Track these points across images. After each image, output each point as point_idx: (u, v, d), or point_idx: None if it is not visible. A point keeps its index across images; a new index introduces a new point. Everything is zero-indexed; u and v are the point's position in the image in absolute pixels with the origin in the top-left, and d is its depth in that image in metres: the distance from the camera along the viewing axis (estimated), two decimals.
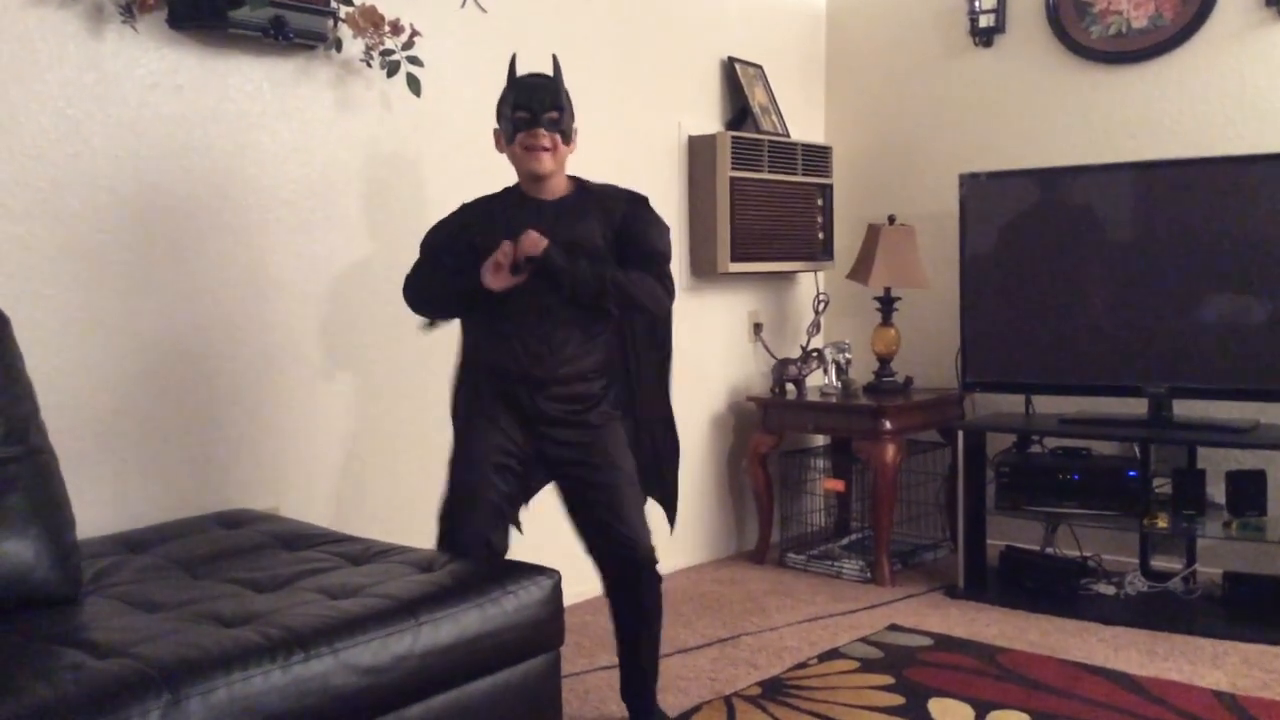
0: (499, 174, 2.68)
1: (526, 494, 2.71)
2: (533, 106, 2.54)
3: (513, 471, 2.60)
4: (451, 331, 2.78)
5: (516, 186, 2.66)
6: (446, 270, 2.61)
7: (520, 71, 2.62)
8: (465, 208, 2.68)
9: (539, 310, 2.55)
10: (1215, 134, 3.93)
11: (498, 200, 2.66)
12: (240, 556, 2.36)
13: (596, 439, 2.63)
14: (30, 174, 2.51)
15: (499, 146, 2.64)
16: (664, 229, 2.69)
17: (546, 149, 2.54)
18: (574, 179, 2.66)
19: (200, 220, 2.82)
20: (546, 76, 2.62)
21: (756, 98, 4.39)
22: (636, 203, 2.66)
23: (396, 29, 3.07)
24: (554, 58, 2.66)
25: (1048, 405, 4.13)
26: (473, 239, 2.57)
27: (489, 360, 2.62)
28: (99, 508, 2.58)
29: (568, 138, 2.58)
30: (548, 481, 2.72)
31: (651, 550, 2.66)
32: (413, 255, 2.67)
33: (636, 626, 2.72)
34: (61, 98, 2.55)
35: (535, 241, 2.48)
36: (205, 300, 2.84)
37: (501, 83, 2.66)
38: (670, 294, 2.66)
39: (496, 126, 2.63)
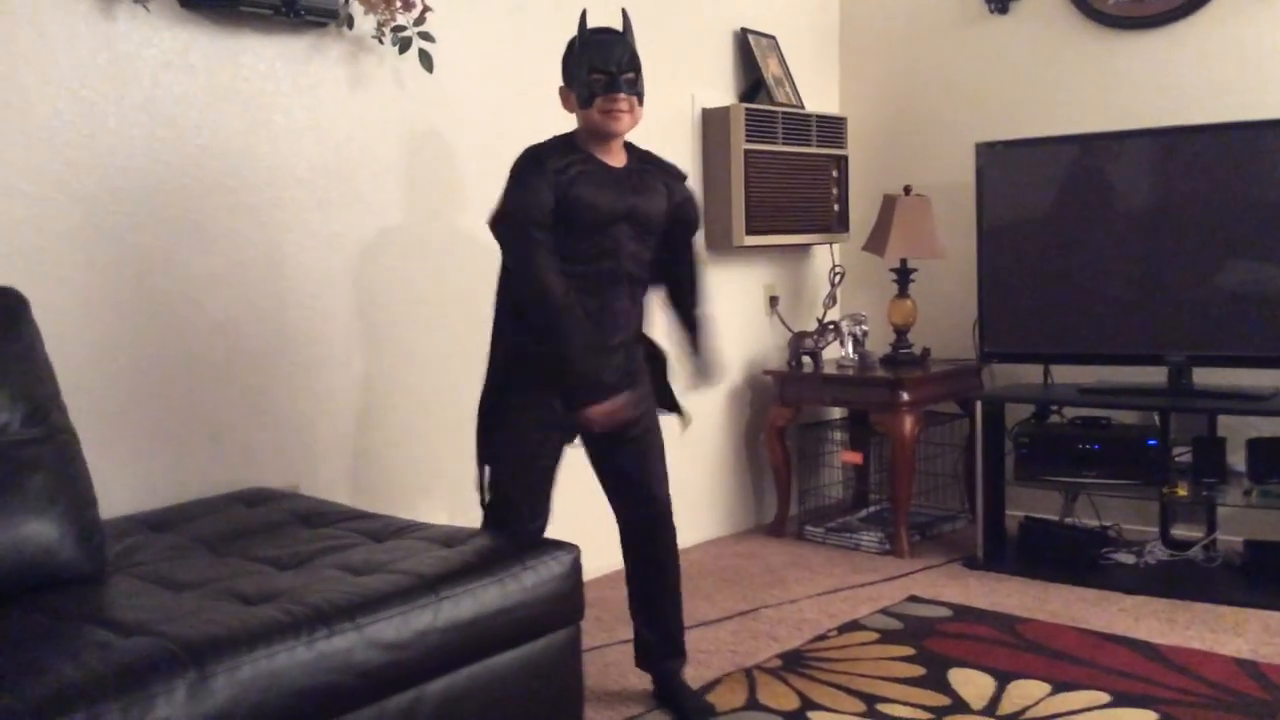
0: (512, 149, 2.67)
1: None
2: (610, 69, 2.49)
3: (557, 443, 2.63)
4: (472, 308, 2.77)
5: (573, 141, 2.55)
6: (578, 329, 2.47)
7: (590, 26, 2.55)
8: (540, 157, 2.48)
9: (610, 273, 2.54)
10: (1233, 99, 3.89)
11: (569, 156, 2.51)
12: (262, 534, 2.37)
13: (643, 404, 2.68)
14: (45, 156, 2.51)
15: (566, 105, 2.57)
16: (695, 199, 2.79)
17: (626, 111, 2.51)
18: (624, 140, 2.64)
19: (215, 199, 2.82)
20: (619, 34, 2.56)
21: (770, 69, 4.36)
22: (684, 182, 2.72)
23: (408, 5, 3.06)
24: (624, 13, 2.60)
25: (1066, 375, 4.11)
26: (563, 193, 2.45)
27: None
28: (121, 488, 2.60)
29: (642, 98, 2.56)
30: (572, 442, 2.71)
31: (668, 504, 2.75)
32: (426, 231, 2.66)
33: (656, 582, 2.76)
34: (75, 79, 2.55)
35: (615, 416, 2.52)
36: (222, 279, 2.85)
37: (513, 55, 2.64)
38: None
39: (563, 85, 2.57)
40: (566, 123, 2.60)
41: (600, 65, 2.49)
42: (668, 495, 2.75)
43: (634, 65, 2.53)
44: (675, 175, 2.70)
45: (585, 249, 2.51)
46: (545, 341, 2.48)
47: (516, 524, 2.53)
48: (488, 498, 2.60)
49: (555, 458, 2.63)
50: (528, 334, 2.53)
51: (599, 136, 2.55)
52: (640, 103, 2.55)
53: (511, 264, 2.53)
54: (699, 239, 2.83)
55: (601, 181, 2.51)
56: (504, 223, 2.50)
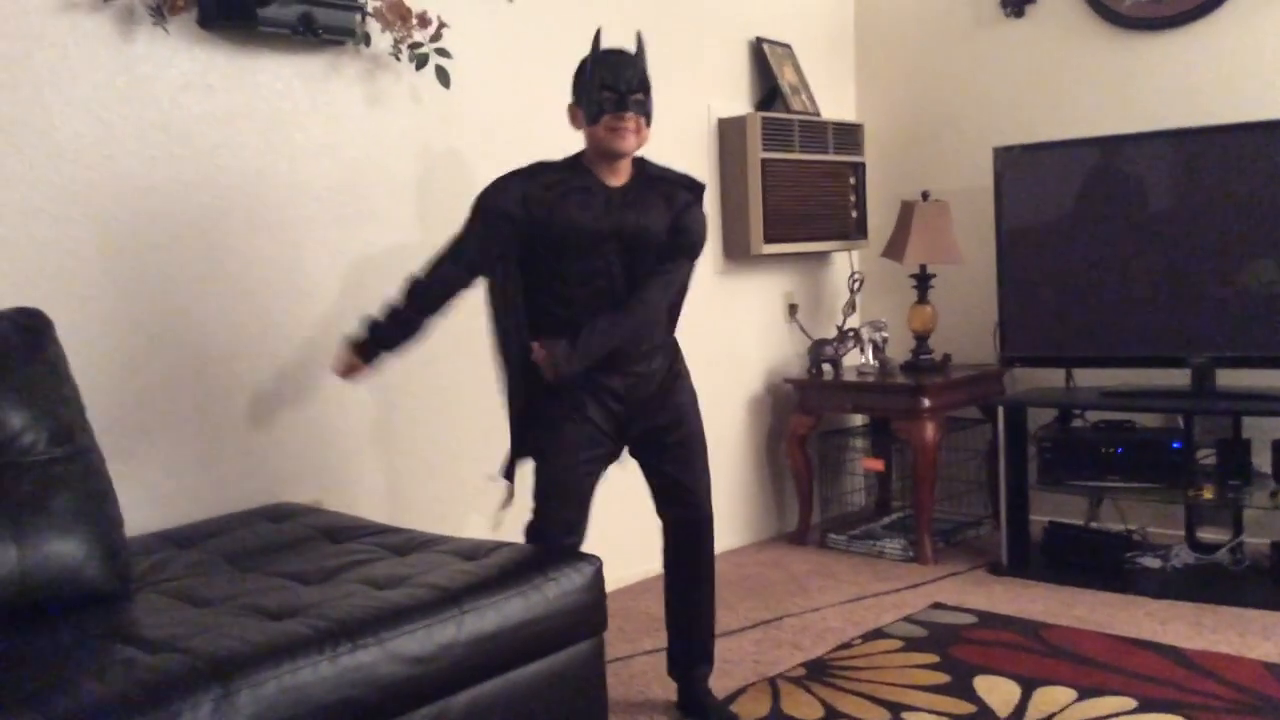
0: (529, 163, 2.68)
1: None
2: (619, 87, 2.51)
3: (602, 461, 2.66)
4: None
5: (580, 161, 2.60)
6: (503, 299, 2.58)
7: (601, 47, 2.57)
8: (528, 174, 2.56)
9: (605, 293, 2.55)
10: (1253, 99, 3.87)
11: (563, 174, 2.56)
12: (286, 550, 2.38)
13: (675, 404, 2.71)
14: (67, 177, 2.54)
15: (575, 123, 2.60)
16: (705, 226, 2.71)
17: (632, 131, 2.52)
18: (633, 158, 2.64)
19: (235, 218, 2.85)
20: (631, 54, 2.58)
21: (786, 77, 4.36)
22: (695, 192, 2.68)
23: (424, 21, 3.08)
24: (638, 35, 2.62)
25: (1088, 378, 4.09)
26: (547, 216, 2.50)
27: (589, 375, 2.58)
28: (145, 505, 2.62)
29: (650, 119, 2.58)
30: (618, 459, 2.74)
31: (711, 510, 2.78)
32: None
33: (694, 586, 2.78)
34: (95, 101, 2.58)
35: (548, 367, 2.52)
36: (242, 297, 2.87)
37: (529, 72, 2.66)
38: (670, 287, 2.65)
39: (572, 103, 2.60)
40: (581, 138, 2.61)
41: (610, 83, 2.50)
42: (710, 503, 2.78)
43: (644, 86, 2.55)
44: (685, 186, 2.67)
45: (577, 270, 2.53)
46: (437, 290, 2.60)
47: (549, 537, 2.56)
48: (530, 518, 2.61)
49: (598, 477, 2.66)
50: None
51: (605, 155, 2.56)
52: (648, 124, 2.57)
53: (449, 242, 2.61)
54: (714, 245, 2.81)
55: (588, 201, 2.53)
56: (449, 247, 2.60)
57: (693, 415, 2.76)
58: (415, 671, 1.93)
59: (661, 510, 2.79)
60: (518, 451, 2.67)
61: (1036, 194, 3.96)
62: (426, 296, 2.59)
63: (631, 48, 2.60)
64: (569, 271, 2.53)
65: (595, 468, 2.65)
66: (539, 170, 2.57)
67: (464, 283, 2.60)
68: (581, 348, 2.51)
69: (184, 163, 2.74)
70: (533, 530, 2.60)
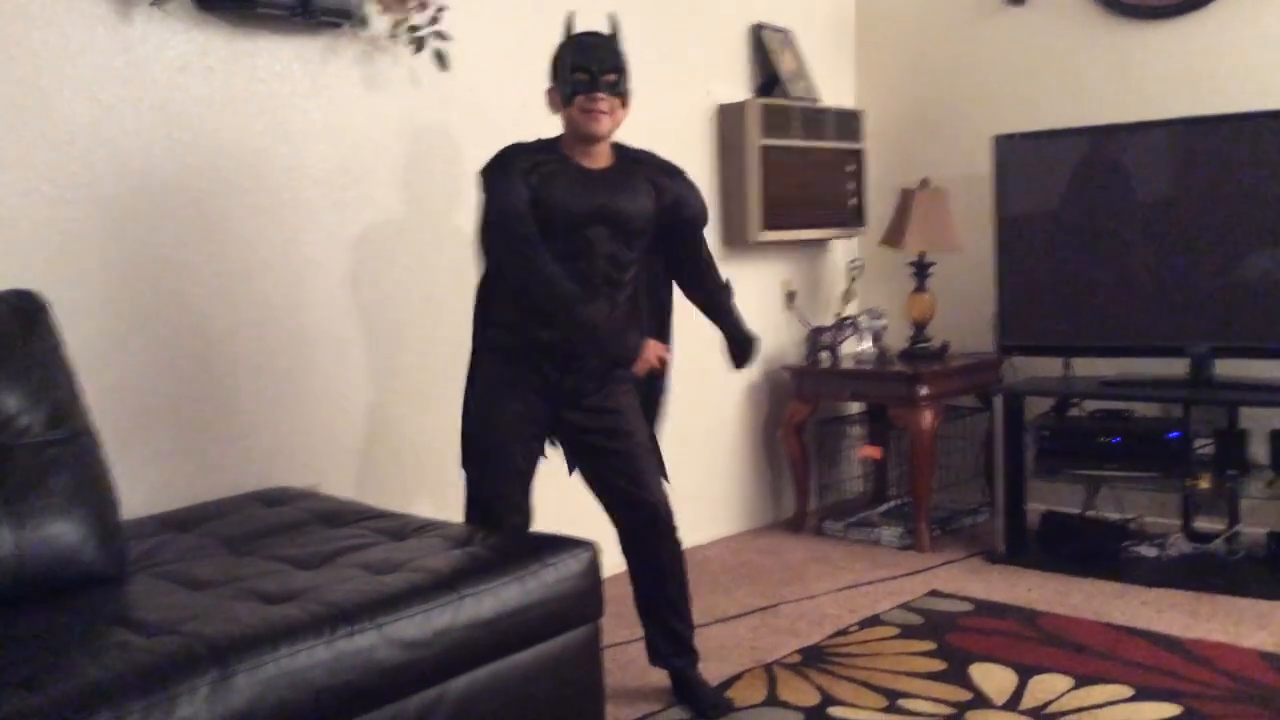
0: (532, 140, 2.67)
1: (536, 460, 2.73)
2: (591, 68, 2.50)
3: (535, 439, 2.65)
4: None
5: (556, 145, 2.59)
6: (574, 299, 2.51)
7: (578, 29, 2.58)
8: (506, 158, 2.54)
9: (583, 274, 2.54)
10: (1252, 88, 3.86)
11: (542, 156, 2.55)
12: (282, 534, 2.38)
13: (615, 409, 2.67)
14: (64, 159, 2.53)
15: (552, 106, 2.60)
16: (702, 197, 2.76)
17: (605, 112, 2.52)
18: (612, 143, 2.64)
19: (233, 201, 2.84)
20: (605, 36, 2.58)
21: (785, 64, 4.35)
22: (682, 178, 2.69)
23: (423, 4, 3.07)
24: (612, 18, 2.62)
25: (1087, 367, 4.09)
26: (533, 193, 2.49)
27: (528, 335, 2.58)
28: (142, 488, 2.62)
29: (626, 101, 2.57)
30: (552, 444, 2.74)
31: (669, 510, 2.70)
32: (443, 230, 2.66)
33: (656, 585, 2.74)
34: (93, 82, 2.57)
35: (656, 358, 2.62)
36: (240, 280, 2.86)
37: (528, 54, 2.65)
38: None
39: (550, 86, 2.60)
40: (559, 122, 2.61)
41: (583, 64, 2.51)
42: (663, 497, 2.70)
43: (617, 67, 2.54)
44: (667, 172, 2.68)
45: (557, 249, 2.51)
46: (567, 328, 2.53)
47: (491, 523, 2.54)
48: (468, 495, 2.63)
49: (531, 462, 2.66)
50: (517, 330, 2.58)
51: (580, 138, 2.56)
52: (624, 105, 2.57)
53: (511, 264, 2.53)
54: (712, 231, 2.82)
55: (572, 182, 2.52)
56: (495, 228, 2.53)
57: (639, 425, 2.71)
58: (412, 656, 1.93)
59: (613, 514, 2.73)
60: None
61: (1036, 182, 3.96)
62: (567, 294, 2.51)
63: (608, 31, 2.59)
64: (551, 251, 2.51)
65: (529, 446, 2.63)
66: (519, 152, 2.56)
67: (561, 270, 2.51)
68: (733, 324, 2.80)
69: (182, 145, 2.73)
70: (474, 506, 2.61)
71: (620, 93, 2.55)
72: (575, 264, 2.53)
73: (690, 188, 2.71)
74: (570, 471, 2.76)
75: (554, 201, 2.50)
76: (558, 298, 2.49)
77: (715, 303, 2.82)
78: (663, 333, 2.81)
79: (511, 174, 2.50)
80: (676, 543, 2.74)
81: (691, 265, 2.79)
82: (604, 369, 2.63)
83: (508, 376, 2.62)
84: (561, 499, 2.82)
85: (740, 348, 2.82)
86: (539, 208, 2.49)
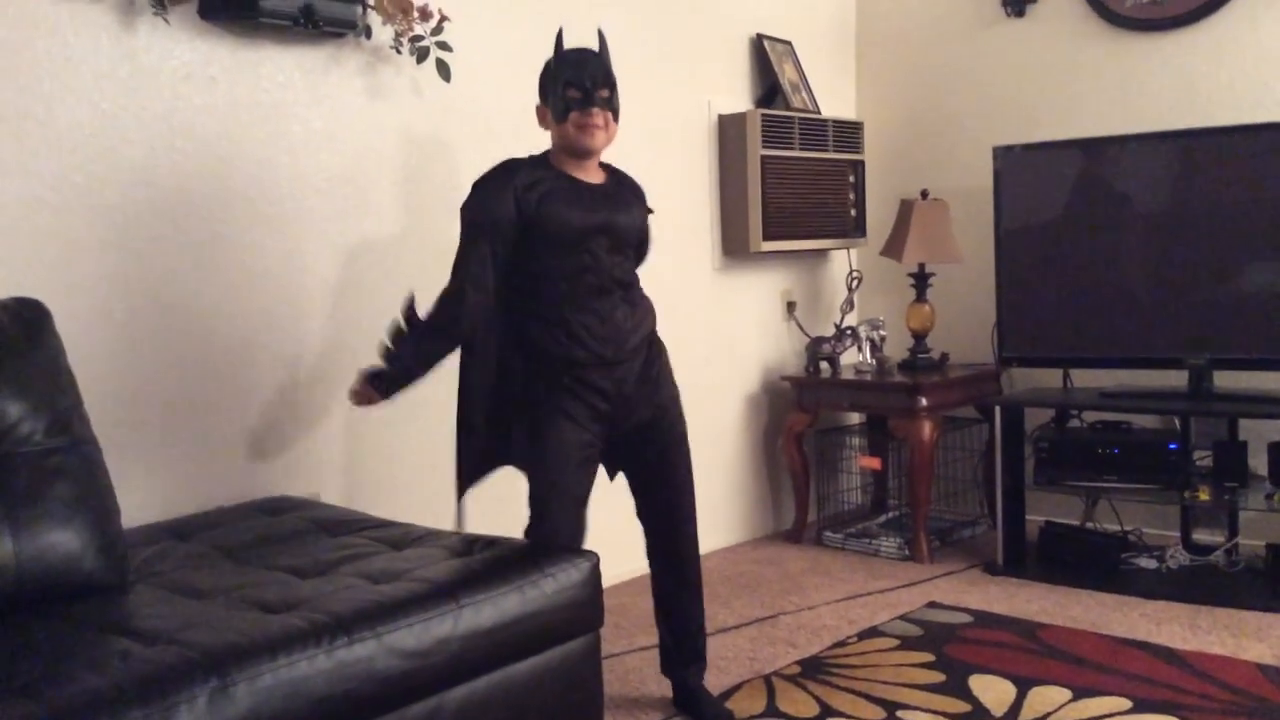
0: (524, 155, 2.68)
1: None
2: (584, 84, 2.51)
3: (593, 463, 2.65)
4: None
5: (547, 160, 2.60)
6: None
7: (566, 46, 2.59)
8: (508, 173, 2.54)
9: (594, 288, 2.54)
10: (1252, 101, 3.87)
11: (539, 172, 2.55)
12: (283, 543, 2.38)
13: (664, 406, 2.70)
14: (67, 167, 2.54)
15: (543, 123, 2.61)
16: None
17: (600, 127, 2.53)
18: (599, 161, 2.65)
19: (235, 210, 2.84)
20: (594, 52, 2.58)
21: (786, 74, 4.36)
22: (644, 199, 2.74)
23: (425, 14, 3.08)
24: (600, 33, 2.62)
25: (1086, 379, 4.09)
26: (531, 215, 2.49)
27: (555, 352, 2.55)
28: (143, 497, 2.62)
29: (617, 115, 2.58)
30: (614, 468, 2.76)
31: (693, 509, 2.77)
32: (445, 240, 2.67)
33: (677, 586, 2.77)
34: (96, 91, 2.58)
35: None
36: (242, 289, 2.87)
37: (530, 65, 2.65)
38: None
39: (540, 103, 2.60)
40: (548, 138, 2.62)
41: (574, 81, 2.51)
42: (693, 503, 2.77)
43: (608, 82, 2.55)
44: (640, 195, 2.72)
45: (565, 265, 2.52)
46: (416, 331, 2.55)
47: (548, 539, 2.54)
48: (529, 527, 2.59)
49: (592, 479, 2.65)
50: (528, 342, 2.58)
51: (573, 153, 2.56)
52: (615, 119, 2.57)
53: (453, 275, 2.54)
54: (712, 241, 2.82)
55: (572, 198, 2.53)
56: (462, 236, 2.54)
57: (682, 421, 2.74)
58: (411, 665, 1.93)
59: (647, 522, 2.77)
60: (476, 470, 2.66)
61: (1036, 194, 3.96)
62: (444, 330, 2.54)
63: (595, 46, 2.60)
64: (554, 267, 2.53)
65: (588, 471, 2.63)
66: (516, 167, 2.55)
67: (485, 307, 2.54)
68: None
69: (184, 154, 2.74)
70: (539, 535, 2.58)
71: (613, 107, 2.56)
72: (584, 276, 2.53)
73: (646, 224, 2.75)
74: (611, 478, 2.77)
75: (558, 217, 2.50)
76: (441, 313, 2.53)
77: None
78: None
79: (504, 189, 2.50)
80: (698, 547, 2.80)
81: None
82: (645, 363, 2.64)
83: (557, 401, 2.57)
84: None
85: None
86: (539, 224, 2.50)
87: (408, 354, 2.55)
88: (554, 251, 2.52)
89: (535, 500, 2.58)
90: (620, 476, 2.77)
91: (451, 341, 2.56)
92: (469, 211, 2.54)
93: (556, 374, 2.55)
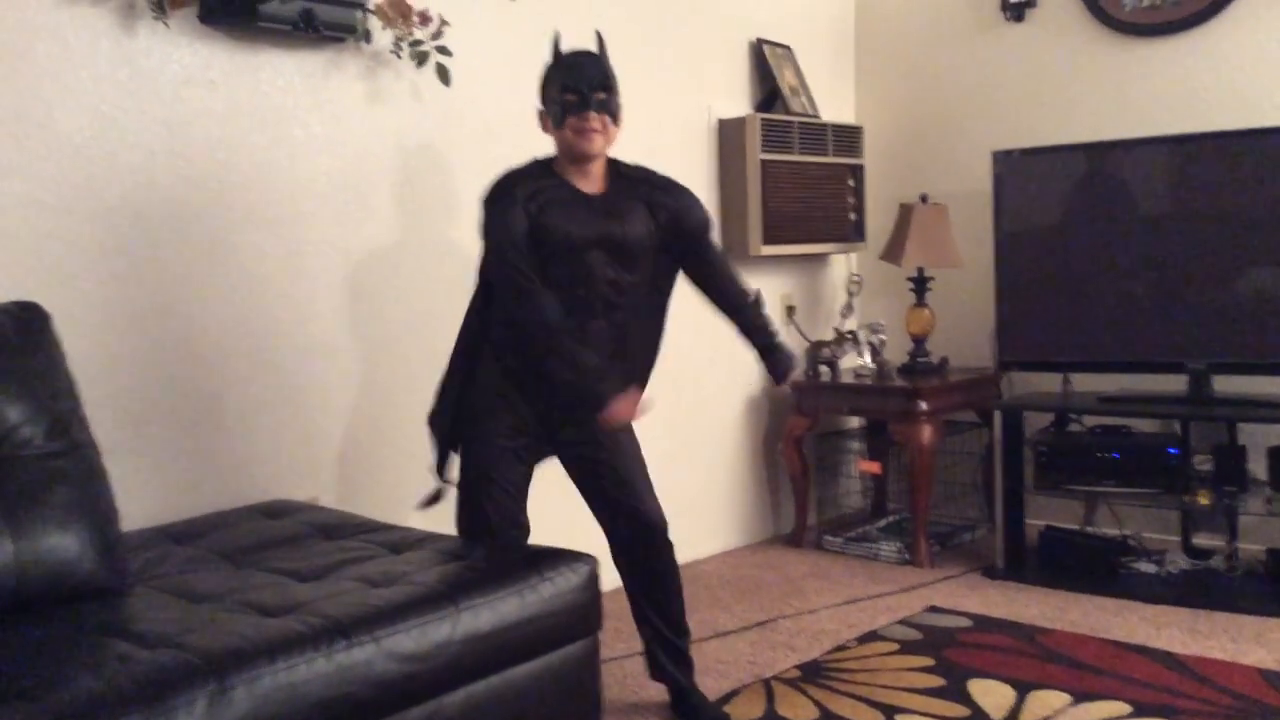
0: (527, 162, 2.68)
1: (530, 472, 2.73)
2: (581, 88, 2.50)
3: (526, 451, 2.64)
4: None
5: (552, 168, 2.58)
6: (575, 359, 2.48)
7: (564, 49, 2.58)
8: (509, 185, 2.53)
9: (584, 300, 2.54)
10: (1253, 105, 3.87)
11: (541, 182, 2.54)
12: (282, 546, 2.38)
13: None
14: (67, 170, 2.54)
15: (544, 128, 2.60)
16: (704, 207, 2.74)
17: (597, 131, 2.51)
18: (607, 160, 2.63)
19: (235, 214, 2.85)
20: (592, 54, 2.57)
21: (786, 79, 4.36)
22: (678, 192, 2.67)
23: (425, 19, 3.08)
24: (598, 35, 2.62)
25: (1086, 383, 4.09)
26: (531, 219, 2.49)
27: (514, 364, 2.59)
28: (142, 500, 2.61)
29: (617, 118, 2.56)
30: (547, 457, 2.73)
31: (663, 519, 2.70)
32: (444, 244, 2.67)
33: (651, 594, 2.73)
34: (96, 94, 2.58)
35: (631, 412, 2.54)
36: (242, 293, 2.87)
37: (530, 70, 2.66)
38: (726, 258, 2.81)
39: (540, 108, 2.59)
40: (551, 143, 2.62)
41: (572, 84, 2.50)
42: (657, 506, 2.70)
43: (606, 84, 2.53)
44: (663, 188, 2.65)
45: (558, 275, 2.52)
46: (543, 366, 2.50)
47: (484, 535, 2.55)
48: (458, 510, 2.61)
49: (526, 474, 2.65)
50: (518, 356, 2.57)
51: (574, 159, 2.55)
52: (615, 122, 2.56)
53: (503, 295, 2.54)
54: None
55: (572, 208, 2.52)
56: (494, 259, 2.53)
57: (630, 437, 2.70)
58: (410, 669, 1.93)
59: (603, 523, 2.72)
60: (448, 444, 2.67)
61: (1035, 198, 3.97)
62: (556, 329, 2.50)
63: (594, 49, 2.59)
64: (549, 276, 2.52)
65: (521, 458, 2.62)
66: (519, 179, 2.55)
67: (554, 300, 2.50)
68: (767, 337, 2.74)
69: (185, 158, 2.74)
70: (464, 523, 2.60)
71: (611, 110, 2.54)
72: (575, 289, 2.53)
73: (688, 199, 2.68)
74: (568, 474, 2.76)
75: (553, 229, 2.49)
76: (547, 338, 2.48)
77: (743, 318, 2.77)
78: (646, 368, 2.76)
79: (512, 205, 2.49)
80: (671, 553, 2.73)
81: (707, 277, 2.75)
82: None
83: (498, 389, 2.61)
84: (561, 513, 2.82)
85: (774, 361, 2.76)
86: (538, 234, 2.49)
87: (590, 362, 2.51)
88: (549, 260, 2.52)
89: (465, 484, 2.62)
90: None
91: (567, 334, 2.50)
92: (492, 234, 2.52)
93: (508, 370, 2.58)
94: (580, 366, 2.48)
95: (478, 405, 2.63)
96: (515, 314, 2.52)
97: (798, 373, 2.58)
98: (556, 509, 2.81)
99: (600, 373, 2.51)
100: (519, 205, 2.49)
